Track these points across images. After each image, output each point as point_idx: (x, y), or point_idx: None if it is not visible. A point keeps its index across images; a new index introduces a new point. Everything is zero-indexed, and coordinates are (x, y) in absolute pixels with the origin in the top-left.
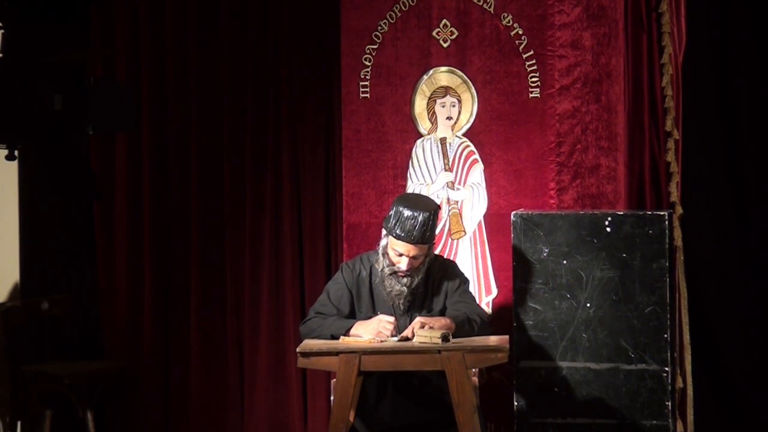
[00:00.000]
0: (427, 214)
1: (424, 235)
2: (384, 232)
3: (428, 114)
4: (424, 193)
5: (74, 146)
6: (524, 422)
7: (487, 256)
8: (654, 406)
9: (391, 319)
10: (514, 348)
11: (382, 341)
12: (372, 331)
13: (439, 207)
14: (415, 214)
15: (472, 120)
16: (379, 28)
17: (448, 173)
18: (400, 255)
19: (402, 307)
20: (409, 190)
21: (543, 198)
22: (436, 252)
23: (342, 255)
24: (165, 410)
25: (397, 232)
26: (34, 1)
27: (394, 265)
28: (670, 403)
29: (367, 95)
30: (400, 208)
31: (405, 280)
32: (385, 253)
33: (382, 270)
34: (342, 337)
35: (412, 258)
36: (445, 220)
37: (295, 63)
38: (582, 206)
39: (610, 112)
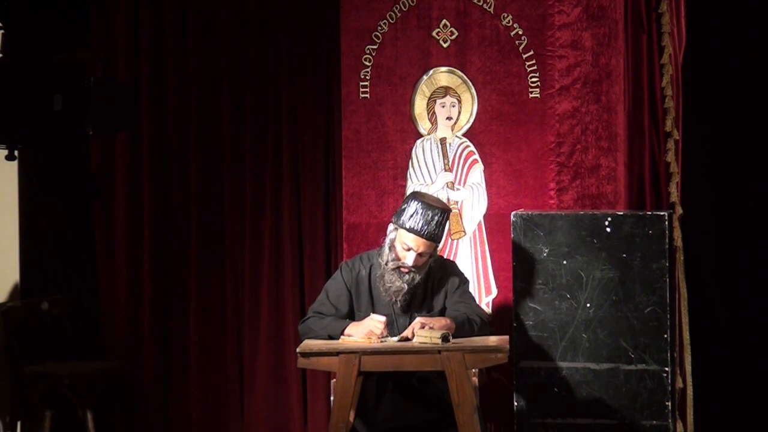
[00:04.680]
0: (442, 212)
1: (435, 233)
2: (392, 226)
3: (428, 114)
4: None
5: (74, 146)
6: (524, 422)
7: (487, 257)
8: (654, 406)
9: (382, 318)
10: (514, 348)
11: (382, 341)
12: (363, 331)
13: (451, 210)
14: (430, 210)
15: (472, 120)
16: (379, 28)
17: (448, 173)
18: (408, 249)
19: (399, 305)
20: (409, 190)
21: (543, 198)
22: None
23: (342, 255)
24: (165, 410)
25: (410, 225)
26: (34, 1)
27: (399, 260)
28: (670, 403)
29: (367, 95)
30: (416, 203)
31: (407, 277)
32: (392, 247)
33: (385, 263)
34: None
35: (419, 255)
36: None
37: (295, 63)
38: (582, 206)
39: (610, 113)
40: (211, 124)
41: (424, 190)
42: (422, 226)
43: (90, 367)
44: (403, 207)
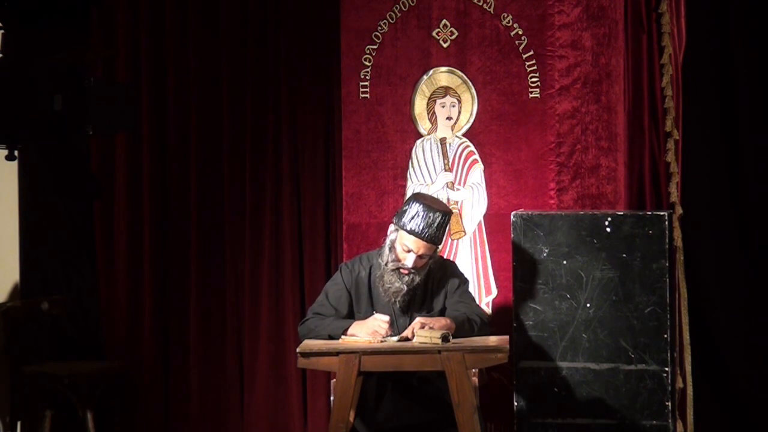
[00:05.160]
0: (443, 215)
1: (435, 235)
2: (392, 227)
3: (428, 114)
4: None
5: (74, 146)
6: (524, 422)
7: (487, 257)
8: (654, 406)
9: (386, 318)
10: (514, 348)
11: (382, 341)
12: (368, 331)
13: (452, 212)
14: (432, 212)
15: (472, 120)
16: (379, 28)
17: (448, 173)
18: (408, 251)
19: (398, 305)
20: (409, 190)
21: (543, 198)
22: None
23: (342, 255)
24: (165, 410)
25: (411, 227)
26: (34, 1)
27: (399, 261)
28: (670, 403)
29: (367, 95)
30: (417, 205)
31: (406, 278)
32: (392, 248)
33: (385, 264)
34: (342, 337)
35: (419, 256)
36: None
37: (295, 63)
38: (582, 206)
39: (610, 113)
40: (211, 125)
41: (424, 191)
42: (423, 229)
43: (90, 367)
44: (404, 208)
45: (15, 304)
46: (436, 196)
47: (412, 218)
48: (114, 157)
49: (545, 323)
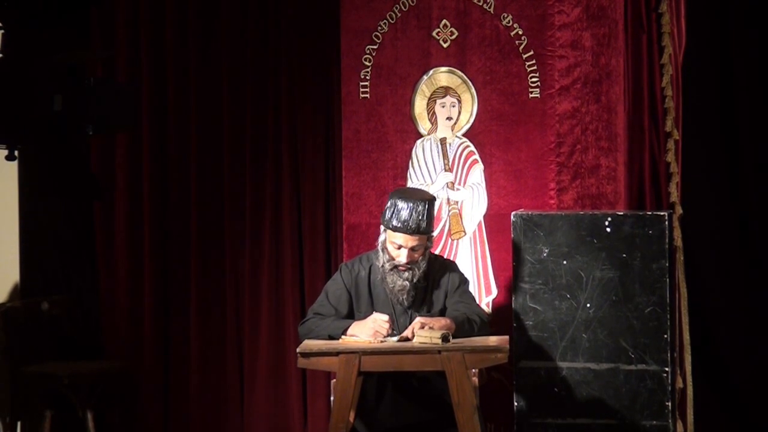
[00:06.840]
0: (422, 203)
1: (420, 225)
2: (382, 227)
3: (428, 114)
4: None
5: (74, 146)
6: (524, 422)
7: (487, 257)
8: (654, 406)
9: (386, 317)
10: (514, 348)
11: (382, 341)
12: (368, 331)
13: (434, 198)
14: (410, 204)
15: (472, 120)
16: (379, 28)
17: (448, 173)
18: (399, 247)
19: (406, 303)
20: None
21: (543, 198)
22: (437, 252)
23: (342, 255)
24: (165, 410)
25: (394, 223)
26: (34, 1)
27: (394, 259)
28: (670, 404)
29: (367, 95)
30: (396, 200)
31: (406, 274)
32: (384, 248)
33: (383, 266)
34: (342, 337)
35: (411, 250)
36: (445, 221)
37: (295, 63)
38: (582, 206)
39: (610, 113)
40: (211, 124)
41: (424, 188)
42: (405, 222)
43: (90, 367)
44: (385, 207)
45: (15, 304)
46: (416, 187)
47: (394, 214)
48: (114, 157)
49: (545, 323)
